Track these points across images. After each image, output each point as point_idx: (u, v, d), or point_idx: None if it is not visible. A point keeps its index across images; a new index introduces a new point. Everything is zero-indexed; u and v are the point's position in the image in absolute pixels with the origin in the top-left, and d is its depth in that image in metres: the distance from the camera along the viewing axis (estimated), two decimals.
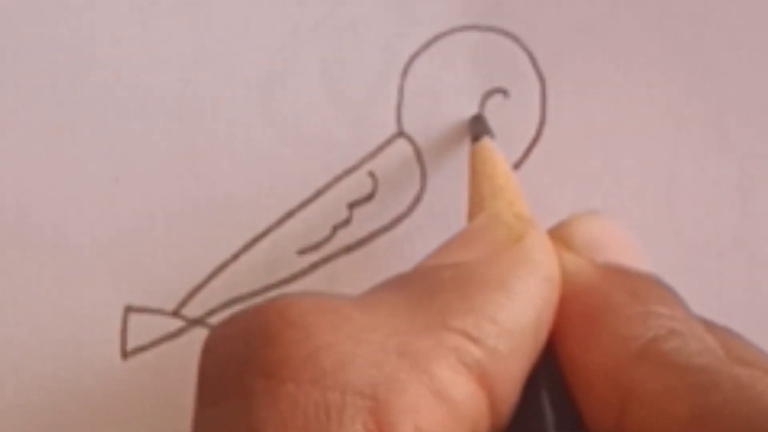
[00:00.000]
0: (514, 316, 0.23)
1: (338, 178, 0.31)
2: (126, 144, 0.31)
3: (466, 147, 0.31)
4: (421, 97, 0.31)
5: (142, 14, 0.31)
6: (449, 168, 0.31)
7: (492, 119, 0.31)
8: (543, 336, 0.24)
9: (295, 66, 0.31)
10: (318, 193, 0.31)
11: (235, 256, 0.31)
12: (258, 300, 0.30)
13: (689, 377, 0.22)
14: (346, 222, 0.31)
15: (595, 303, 0.24)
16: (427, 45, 0.31)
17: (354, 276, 0.31)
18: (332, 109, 0.31)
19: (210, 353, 0.23)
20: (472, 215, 0.28)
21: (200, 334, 0.30)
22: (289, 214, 0.31)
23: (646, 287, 0.24)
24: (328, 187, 0.31)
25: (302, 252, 0.31)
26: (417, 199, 0.31)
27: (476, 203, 0.28)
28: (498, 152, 0.29)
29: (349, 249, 0.31)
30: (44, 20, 0.31)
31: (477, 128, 0.30)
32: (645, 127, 0.31)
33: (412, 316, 0.22)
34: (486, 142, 0.29)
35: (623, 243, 0.26)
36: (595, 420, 0.23)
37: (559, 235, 0.25)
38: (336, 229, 0.31)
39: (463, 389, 0.22)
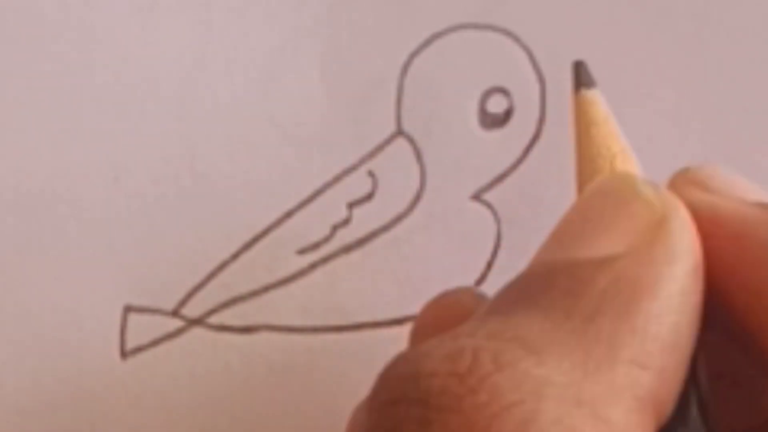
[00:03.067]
0: (675, 326, 0.22)
1: (338, 178, 0.31)
2: (126, 144, 0.31)
3: (465, 146, 0.31)
4: (421, 96, 0.31)
5: (142, 14, 0.31)
6: (449, 167, 0.31)
7: (491, 119, 0.31)
8: (697, 326, 0.23)
9: (295, 66, 0.31)
10: (317, 193, 0.31)
11: (235, 256, 0.31)
12: (259, 300, 0.30)
13: None
14: (346, 222, 0.31)
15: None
16: (427, 44, 0.31)
17: (354, 276, 0.31)
18: (332, 109, 0.31)
19: (388, 410, 0.22)
20: (583, 172, 0.26)
21: (200, 334, 0.31)
22: (289, 214, 0.31)
23: None
24: (327, 186, 0.31)
25: (302, 252, 0.31)
26: (417, 199, 0.31)
27: (587, 158, 0.26)
28: (601, 108, 0.27)
29: (348, 249, 0.31)
30: (44, 20, 0.31)
31: (581, 76, 0.29)
32: (645, 127, 0.31)
33: (584, 355, 0.21)
34: (587, 96, 0.27)
35: (748, 185, 0.25)
36: None
37: (689, 179, 0.24)
38: (335, 228, 0.31)
39: (637, 428, 0.21)
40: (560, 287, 0.23)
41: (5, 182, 0.31)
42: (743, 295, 0.23)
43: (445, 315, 0.26)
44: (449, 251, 0.30)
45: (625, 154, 0.26)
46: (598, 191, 0.24)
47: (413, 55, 0.31)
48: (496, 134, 0.31)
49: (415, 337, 0.27)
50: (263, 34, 0.31)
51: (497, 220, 0.30)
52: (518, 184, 0.30)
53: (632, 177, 0.25)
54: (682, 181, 0.25)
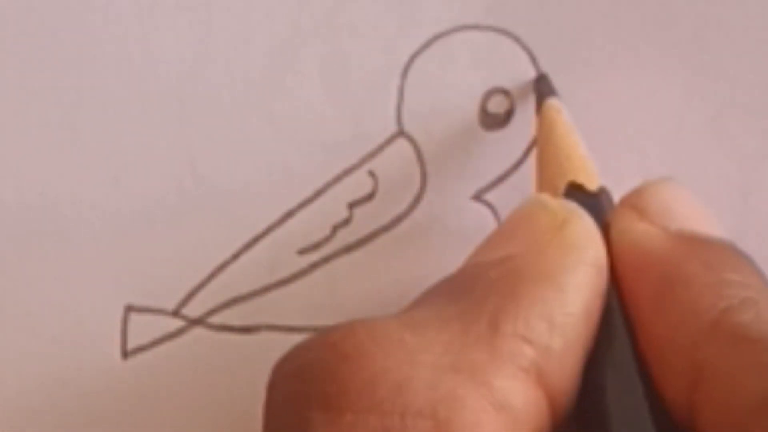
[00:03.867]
0: (564, 310, 0.23)
1: (338, 178, 0.31)
2: (126, 144, 0.31)
3: (466, 146, 0.31)
4: (422, 96, 0.31)
5: (142, 14, 0.31)
6: (449, 168, 0.31)
7: (492, 119, 0.31)
8: (594, 323, 0.23)
9: (295, 66, 0.31)
10: (318, 193, 0.31)
11: (235, 256, 0.31)
12: (259, 300, 0.30)
13: (763, 353, 0.21)
14: (347, 222, 0.31)
15: (667, 273, 0.23)
16: (428, 44, 0.31)
17: (354, 276, 0.31)
18: (332, 109, 0.31)
19: (273, 390, 0.23)
20: (539, 186, 0.27)
21: (200, 334, 0.31)
22: (289, 214, 0.31)
23: (719, 255, 0.24)
24: (328, 186, 0.31)
25: (302, 252, 0.31)
26: (417, 199, 0.31)
27: (543, 174, 0.27)
28: (564, 117, 0.28)
29: (349, 249, 0.31)
30: (44, 20, 0.31)
31: (541, 89, 0.30)
32: (645, 127, 0.31)
33: (464, 328, 0.22)
34: (551, 103, 0.29)
35: (696, 209, 0.25)
36: (667, 393, 0.23)
37: (631, 202, 0.25)
38: (336, 228, 0.31)
39: (522, 395, 0.22)
40: (455, 285, 0.24)
41: (5, 182, 0.31)
42: (636, 323, 0.24)
43: None
44: (450, 251, 0.30)
45: (584, 162, 0.27)
46: (513, 211, 0.25)
47: (414, 56, 0.31)
48: (497, 134, 0.31)
49: None
50: (263, 34, 0.31)
51: (498, 221, 0.31)
52: (519, 185, 0.30)
53: (541, 194, 0.26)
54: (623, 205, 0.25)
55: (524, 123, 0.31)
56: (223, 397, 0.30)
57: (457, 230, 0.31)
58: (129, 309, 0.31)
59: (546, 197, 0.25)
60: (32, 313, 0.31)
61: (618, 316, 0.24)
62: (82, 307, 0.30)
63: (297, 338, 0.30)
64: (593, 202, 0.26)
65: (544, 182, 0.28)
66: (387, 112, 0.31)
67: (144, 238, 0.31)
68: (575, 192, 0.26)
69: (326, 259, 0.31)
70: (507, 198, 0.30)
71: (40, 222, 0.31)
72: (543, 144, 0.28)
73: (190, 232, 0.31)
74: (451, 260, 0.30)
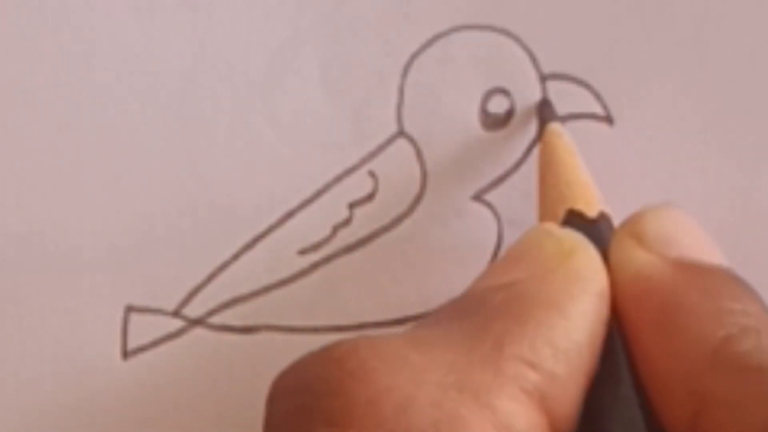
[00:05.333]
0: (569, 336, 0.23)
1: (338, 178, 0.31)
2: (126, 144, 0.31)
3: (466, 146, 0.31)
4: (422, 96, 0.31)
5: (142, 14, 0.31)
6: (449, 168, 0.31)
7: (492, 119, 0.31)
8: (597, 351, 0.23)
9: (295, 66, 0.31)
10: (318, 193, 0.31)
11: (235, 256, 0.31)
12: (259, 300, 0.30)
13: (765, 382, 0.22)
14: (347, 222, 0.31)
15: (667, 302, 0.23)
16: (428, 44, 0.31)
17: (354, 276, 0.31)
18: (332, 109, 0.31)
19: (274, 404, 0.23)
20: (541, 212, 0.28)
21: (200, 334, 0.31)
22: (289, 214, 0.31)
23: (718, 283, 0.24)
24: (328, 187, 0.31)
25: (302, 252, 0.31)
26: (417, 199, 0.31)
27: (544, 200, 0.27)
28: (566, 141, 0.29)
29: (349, 249, 0.31)
30: (44, 20, 0.31)
31: (543, 114, 0.30)
32: (645, 127, 0.31)
33: (469, 349, 0.22)
34: (552, 128, 0.29)
35: (696, 236, 0.25)
36: (669, 422, 0.23)
37: (630, 229, 0.25)
38: (336, 229, 0.31)
39: (524, 418, 0.22)
40: (461, 307, 0.24)
41: (5, 182, 0.31)
42: (637, 352, 0.24)
43: None
44: (450, 251, 0.30)
45: (585, 188, 0.27)
46: (520, 237, 0.26)
47: (414, 56, 0.31)
48: (497, 135, 0.31)
49: None
50: (263, 34, 0.31)
51: (498, 221, 0.31)
52: (519, 185, 0.30)
53: (547, 223, 0.26)
54: (622, 232, 0.25)
55: (524, 123, 0.31)
56: (223, 397, 0.30)
57: (457, 230, 0.31)
58: (129, 309, 0.31)
59: (552, 226, 0.26)
60: (32, 313, 0.30)
61: (620, 344, 0.24)
62: (82, 307, 0.30)
63: (298, 338, 0.30)
64: (592, 229, 0.26)
65: (544, 209, 0.28)
66: (387, 112, 0.31)
67: (144, 238, 0.31)
68: (574, 219, 0.27)
69: (326, 259, 0.31)
70: (507, 198, 0.30)
71: (40, 222, 0.31)
72: (543, 170, 0.28)
73: (190, 232, 0.31)
74: (451, 260, 0.30)
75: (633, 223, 0.25)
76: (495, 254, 0.30)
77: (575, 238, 0.25)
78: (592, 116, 0.31)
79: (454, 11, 0.31)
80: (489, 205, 0.31)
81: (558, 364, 0.22)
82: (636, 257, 0.24)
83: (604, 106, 0.31)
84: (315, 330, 0.30)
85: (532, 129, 0.31)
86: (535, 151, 0.31)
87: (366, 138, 0.31)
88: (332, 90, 0.31)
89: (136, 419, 0.30)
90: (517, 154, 0.31)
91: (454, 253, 0.30)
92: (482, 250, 0.30)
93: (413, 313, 0.30)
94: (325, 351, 0.23)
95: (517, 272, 0.24)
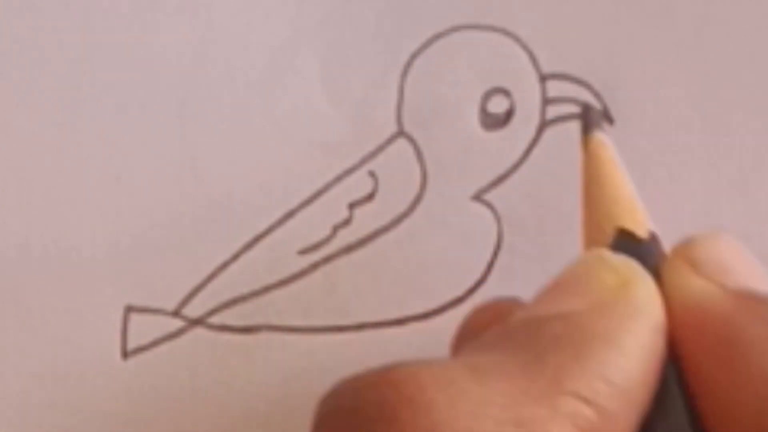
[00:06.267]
0: (626, 373, 0.23)
1: (338, 178, 0.31)
2: (127, 144, 0.31)
3: (466, 146, 0.31)
4: (422, 96, 0.31)
5: (143, 14, 0.31)
6: (450, 168, 0.31)
7: (492, 119, 0.31)
8: (652, 387, 0.23)
9: (295, 66, 0.31)
10: (318, 193, 0.31)
11: (235, 256, 0.31)
12: (259, 300, 0.30)
13: None
14: (347, 222, 0.31)
15: (729, 334, 0.23)
16: (427, 44, 0.31)
17: (354, 276, 0.31)
18: (332, 109, 0.31)
19: (324, 424, 0.22)
20: (586, 228, 0.27)
21: (200, 334, 0.31)
22: (289, 214, 0.31)
23: None
24: (328, 187, 0.31)
25: (302, 252, 0.31)
26: (418, 199, 0.31)
27: (590, 215, 0.27)
28: (610, 153, 0.28)
29: (349, 249, 0.31)
30: (45, 20, 0.31)
31: (588, 120, 0.29)
32: (645, 127, 0.31)
33: (527, 382, 0.22)
34: (598, 138, 0.28)
35: (749, 263, 0.25)
36: None
37: (685, 255, 0.25)
38: (336, 229, 0.31)
39: None
40: (518, 335, 0.23)
41: (6, 183, 0.31)
42: (696, 383, 0.24)
43: (485, 324, 0.26)
44: (450, 251, 0.30)
45: (632, 204, 0.27)
46: (572, 263, 0.25)
47: (414, 56, 0.31)
48: (497, 134, 0.31)
49: (456, 347, 0.28)
50: (264, 34, 0.31)
51: (498, 221, 0.31)
52: (519, 185, 0.30)
53: (602, 250, 0.26)
54: (676, 257, 0.25)
55: (524, 123, 0.31)
56: (223, 397, 0.30)
57: (457, 230, 0.31)
58: (129, 309, 0.31)
59: (607, 254, 0.25)
60: (33, 313, 0.31)
61: (672, 378, 0.24)
62: (82, 307, 0.31)
63: (297, 338, 0.30)
64: (643, 249, 0.26)
65: (590, 225, 0.27)
66: (387, 112, 0.31)
67: (144, 238, 0.31)
68: (625, 239, 0.26)
69: (326, 259, 0.31)
70: (507, 198, 0.30)
71: (40, 222, 0.31)
72: (589, 183, 0.27)
73: (190, 232, 0.31)
74: (451, 260, 0.30)
75: (687, 249, 0.25)
76: (495, 254, 0.30)
77: (633, 268, 0.25)
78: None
79: (454, 11, 0.31)
80: (489, 205, 0.31)
81: (612, 401, 0.22)
82: (694, 285, 0.24)
83: (604, 106, 0.31)
84: (315, 330, 0.30)
85: (532, 129, 0.31)
86: (536, 151, 0.31)
87: (366, 138, 0.31)
88: (332, 90, 0.31)
89: (136, 419, 0.30)
90: (517, 154, 0.31)
91: (454, 253, 0.30)
92: (482, 250, 0.30)
93: (413, 313, 0.30)
94: (383, 373, 0.22)
95: (573, 302, 0.24)
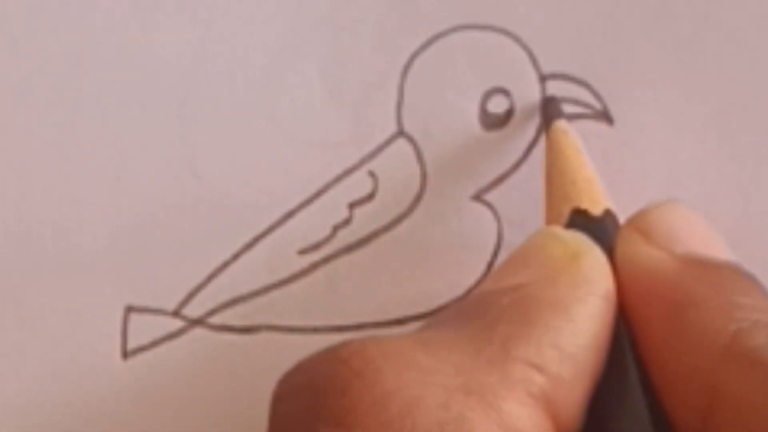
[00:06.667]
0: (575, 339, 0.23)
1: (338, 178, 0.31)
2: (126, 143, 0.31)
3: (466, 146, 0.31)
4: (422, 96, 0.31)
5: (143, 14, 0.31)
6: (449, 168, 0.31)
7: (492, 119, 0.31)
8: (603, 354, 0.24)
9: (295, 66, 0.31)
10: (318, 193, 0.31)
11: (235, 256, 0.31)
12: (259, 300, 0.30)
13: None
14: (347, 222, 0.31)
15: (676, 298, 0.24)
16: (427, 44, 0.31)
17: (354, 276, 0.31)
18: (332, 109, 0.31)
19: (280, 403, 0.23)
20: (546, 211, 0.28)
21: (200, 334, 0.31)
22: (289, 214, 0.31)
23: (727, 278, 0.24)
24: (328, 187, 0.31)
25: (302, 252, 0.31)
26: (417, 199, 0.31)
27: (549, 199, 0.28)
28: (571, 138, 0.29)
29: (349, 249, 0.31)
30: (44, 20, 0.31)
31: (548, 111, 0.30)
32: (645, 127, 0.31)
33: (476, 351, 0.22)
34: (558, 126, 0.29)
35: (702, 231, 0.25)
36: (680, 419, 0.23)
37: (636, 225, 0.25)
38: (336, 229, 0.31)
39: (530, 421, 0.22)
40: (467, 310, 0.24)
41: (6, 182, 0.31)
42: (646, 349, 0.24)
43: None
44: (450, 251, 0.30)
45: (589, 185, 0.27)
46: (525, 241, 0.26)
47: (414, 56, 0.31)
48: (497, 134, 0.31)
49: None
50: (264, 34, 0.31)
51: (498, 221, 0.31)
52: (519, 185, 0.30)
53: (554, 227, 0.26)
54: (628, 228, 0.26)
55: (524, 123, 0.31)
56: (223, 397, 0.30)
57: (457, 230, 0.31)
58: (129, 309, 0.31)
59: (557, 229, 0.26)
60: (32, 313, 0.31)
61: (626, 345, 0.24)
62: (82, 307, 0.30)
63: (297, 338, 0.30)
64: (597, 227, 0.26)
65: (549, 208, 0.28)
66: (387, 112, 0.31)
67: (144, 238, 0.31)
68: (579, 218, 0.27)
69: (326, 259, 0.31)
70: (507, 198, 0.30)
71: (40, 221, 0.31)
72: (549, 168, 0.28)
73: (190, 232, 0.31)
74: (451, 260, 0.30)
75: (639, 219, 0.25)
76: (495, 254, 0.30)
77: (581, 241, 0.25)
78: (591, 116, 0.31)
79: (454, 11, 0.31)
80: (489, 205, 0.31)
81: (564, 367, 0.23)
82: (643, 253, 0.25)
83: (604, 106, 0.31)
84: (315, 330, 0.30)
85: (532, 129, 0.31)
86: (535, 151, 0.31)
87: (366, 138, 0.31)
88: (332, 90, 0.31)
89: (136, 419, 0.30)
90: (517, 153, 0.31)
91: (454, 253, 0.30)
92: (482, 250, 0.30)
93: (413, 313, 0.30)
94: (333, 350, 0.23)
95: (523, 275, 0.24)
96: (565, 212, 0.27)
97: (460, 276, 0.30)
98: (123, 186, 0.31)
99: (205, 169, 0.31)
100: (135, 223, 0.31)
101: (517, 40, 0.31)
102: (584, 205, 0.27)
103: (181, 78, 0.31)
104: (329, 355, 0.23)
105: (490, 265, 0.30)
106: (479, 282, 0.30)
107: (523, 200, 0.31)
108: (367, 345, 0.22)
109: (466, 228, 0.31)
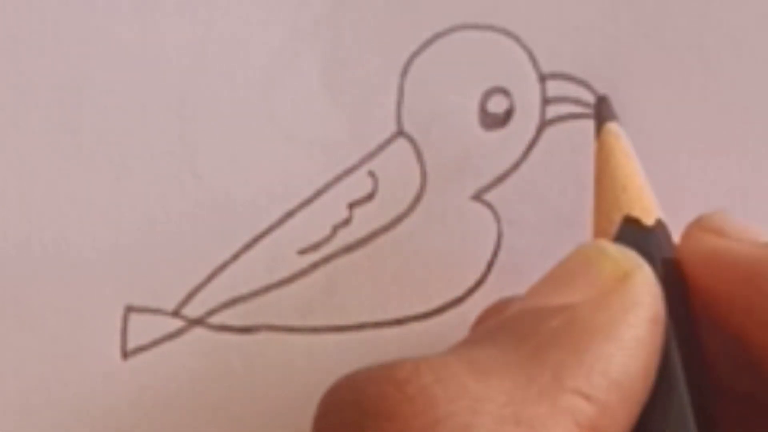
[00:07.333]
0: (625, 367, 0.23)
1: (338, 178, 0.31)
2: (127, 143, 0.31)
3: (466, 146, 0.31)
4: (421, 96, 0.31)
5: (143, 14, 0.31)
6: (450, 168, 0.31)
7: (492, 119, 0.31)
8: (650, 379, 0.23)
9: (295, 66, 0.31)
10: (318, 193, 0.31)
11: (235, 256, 0.31)
12: (259, 300, 0.30)
13: None
14: (347, 222, 0.31)
15: (758, 270, 0.24)
16: (427, 44, 0.31)
17: (354, 276, 0.31)
18: (332, 109, 0.31)
19: (325, 418, 0.23)
20: (596, 216, 0.27)
21: (200, 334, 0.31)
22: (289, 214, 0.31)
23: None
24: (328, 187, 0.31)
25: (302, 252, 0.31)
26: (417, 199, 0.31)
27: (599, 204, 0.27)
28: (622, 143, 0.28)
29: (349, 249, 0.31)
30: (45, 20, 0.31)
31: (601, 112, 0.29)
32: (645, 127, 0.31)
33: (527, 380, 0.22)
34: (610, 129, 0.28)
35: (759, 230, 0.25)
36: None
37: (702, 227, 0.25)
38: (336, 229, 0.31)
39: None
40: (516, 327, 0.23)
41: (6, 183, 0.31)
42: (759, 332, 0.24)
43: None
44: (449, 251, 0.30)
45: (641, 193, 0.27)
46: (572, 254, 0.25)
47: (414, 55, 0.31)
48: (497, 134, 0.31)
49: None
50: (264, 34, 0.31)
51: (498, 220, 0.31)
52: (519, 185, 0.30)
53: (603, 241, 0.26)
54: (696, 230, 0.26)
55: (524, 123, 0.31)
56: (222, 397, 0.30)
57: (456, 230, 0.31)
58: (129, 309, 0.31)
59: (606, 243, 0.25)
60: (32, 313, 0.31)
61: (677, 368, 0.24)
62: (82, 307, 0.30)
63: (297, 338, 0.30)
64: (649, 236, 0.26)
65: (599, 213, 0.27)
66: (387, 112, 0.31)
67: (144, 238, 0.31)
68: (630, 226, 0.26)
69: (326, 259, 0.31)
70: (507, 198, 0.30)
71: (40, 222, 0.31)
72: (599, 172, 0.28)
73: (189, 232, 0.31)
74: (450, 260, 0.30)
75: (702, 222, 0.26)
76: (495, 254, 0.30)
77: (631, 259, 0.25)
78: (591, 116, 0.31)
79: (453, 11, 0.31)
80: (488, 205, 0.31)
81: (611, 395, 0.22)
82: (719, 243, 0.25)
83: None
84: (315, 330, 0.30)
85: (532, 128, 0.31)
86: (535, 151, 0.31)
87: (366, 138, 0.31)
88: (332, 90, 0.31)
89: (136, 419, 0.30)
90: (517, 153, 0.31)
91: (454, 253, 0.30)
92: (482, 250, 0.30)
93: (413, 313, 0.30)
94: (385, 370, 0.22)
95: (571, 294, 0.24)
96: (616, 219, 0.27)
97: (460, 276, 0.30)
98: (123, 186, 0.31)
99: (205, 169, 0.31)
100: (135, 223, 0.31)
101: (517, 40, 0.31)
102: (636, 213, 0.26)
103: (181, 78, 0.31)
104: (380, 373, 0.22)
105: (490, 265, 0.30)
106: (479, 282, 0.30)
107: (524, 200, 0.31)
108: (422, 369, 0.22)
109: (466, 228, 0.31)
